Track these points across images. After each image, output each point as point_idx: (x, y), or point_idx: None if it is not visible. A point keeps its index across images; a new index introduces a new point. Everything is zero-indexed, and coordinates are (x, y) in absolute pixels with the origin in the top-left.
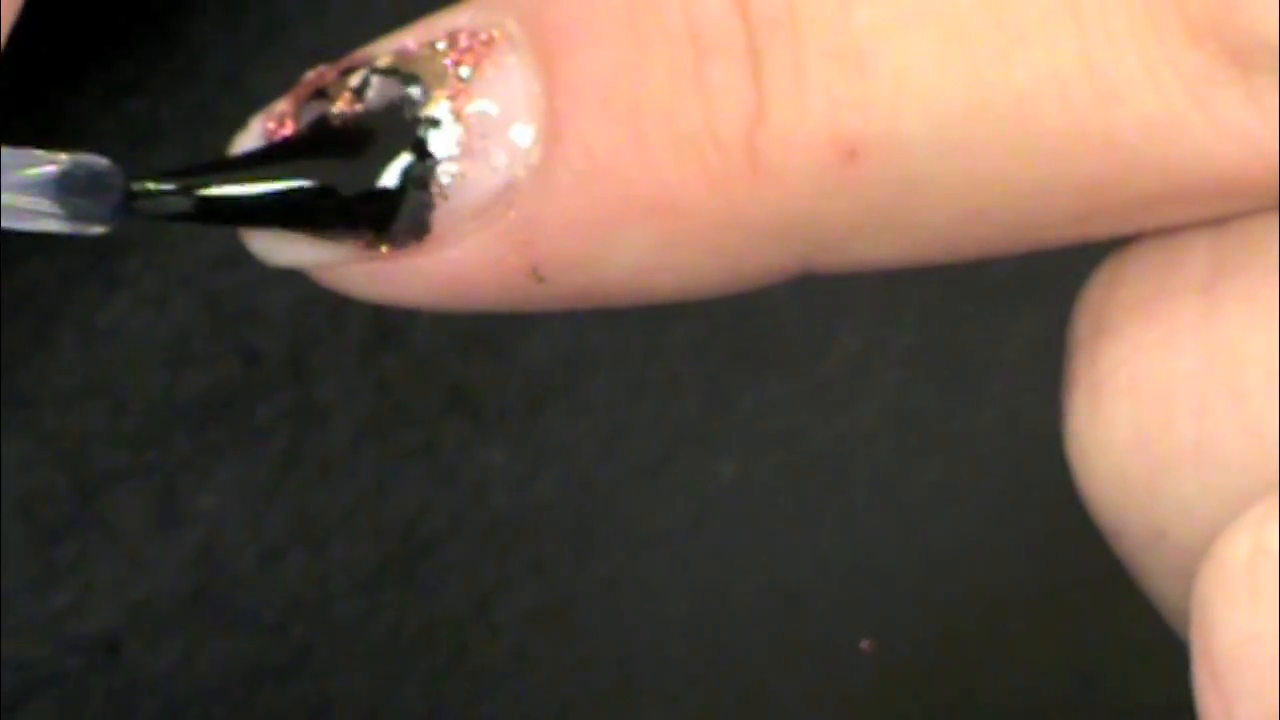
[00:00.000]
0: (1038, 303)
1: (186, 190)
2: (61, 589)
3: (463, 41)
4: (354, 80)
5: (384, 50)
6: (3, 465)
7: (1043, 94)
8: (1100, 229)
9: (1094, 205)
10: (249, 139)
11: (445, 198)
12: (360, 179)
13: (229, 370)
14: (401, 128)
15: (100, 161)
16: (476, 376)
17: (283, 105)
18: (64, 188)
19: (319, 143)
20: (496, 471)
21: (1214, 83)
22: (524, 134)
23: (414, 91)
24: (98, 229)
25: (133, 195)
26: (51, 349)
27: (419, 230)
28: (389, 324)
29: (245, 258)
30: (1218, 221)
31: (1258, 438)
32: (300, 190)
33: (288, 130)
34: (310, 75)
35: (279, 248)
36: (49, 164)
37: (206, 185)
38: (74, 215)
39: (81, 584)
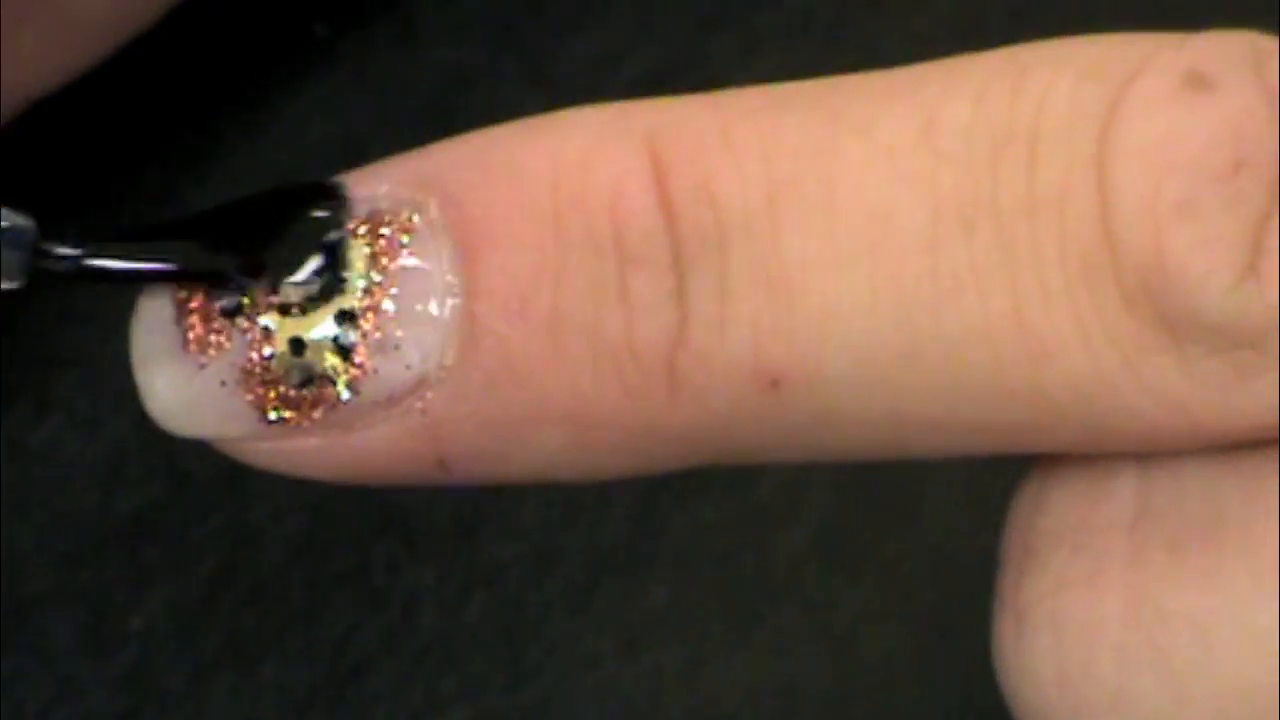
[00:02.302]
0: None
1: (82, 257)
2: None
3: (383, 224)
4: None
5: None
6: None
7: (972, 345)
8: (1028, 450)
9: (1014, 444)
10: (149, 313)
11: (352, 389)
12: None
13: (161, 491)
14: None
15: (15, 217)
16: (407, 499)
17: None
18: None
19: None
20: (427, 593)
21: (1146, 348)
22: (439, 334)
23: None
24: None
25: (38, 253)
26: None
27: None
28: None
29: None
30: (1148, 459)
31: (1180, 700)
32: (180, 272)
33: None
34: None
35: (183, 418)
36: None
37: (99, 255)
38: None
39: (12, 707)
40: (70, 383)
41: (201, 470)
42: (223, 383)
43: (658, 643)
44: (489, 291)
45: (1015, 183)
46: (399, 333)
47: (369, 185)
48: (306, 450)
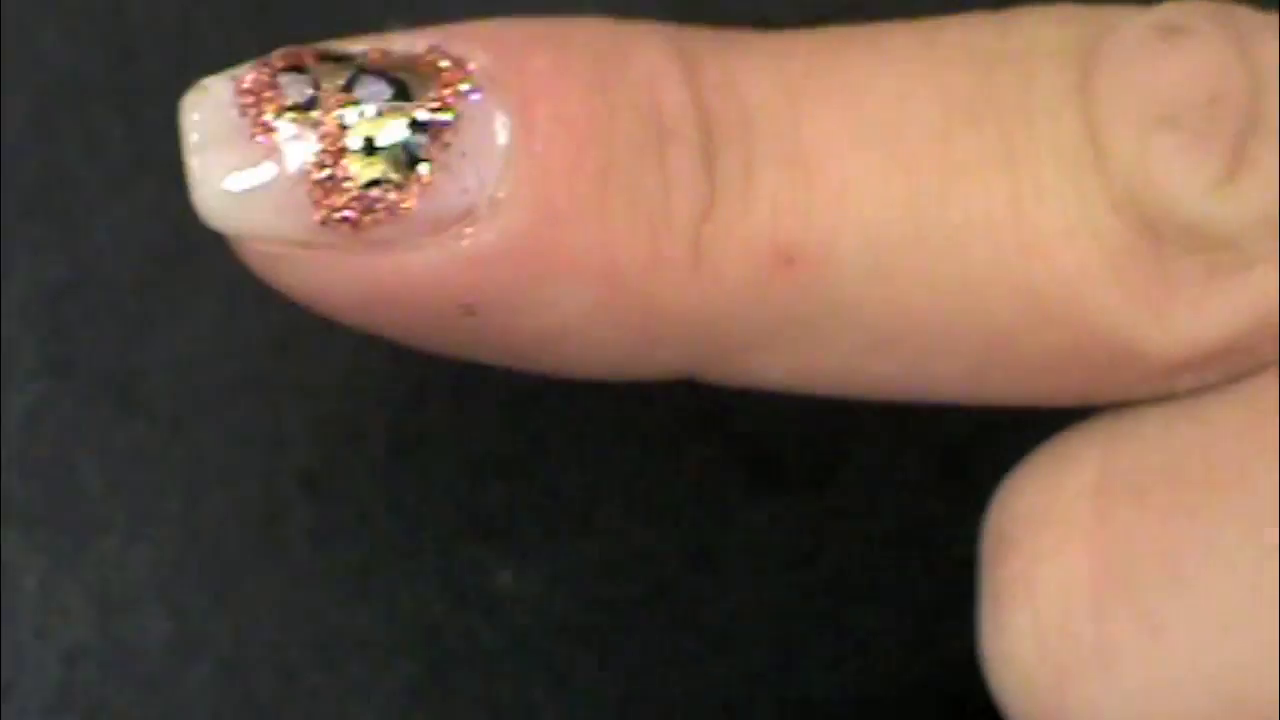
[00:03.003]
0: None
1: None
2: None
3: (446, 62)
4: (340, 78)
5: (368, 48)
6: None
7: (974, 236)
8: (994, 389)
9: (998, 354)
10: (206, 101)
11: (421, 186)
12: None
13: (250, 492)
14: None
15: None
16: (491, 499)
17: (253, 75)
18: None
19: None
20: (509, 592)
21: (1128, 250)
22: (494, 166)
23: (403, 93)
24: None
25: None
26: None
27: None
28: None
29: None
30: (1109, 426)
31: (1156, 635)
32: None
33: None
34: (280, 53)
35: (233, 211)
36: None
37: None
38: None
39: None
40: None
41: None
42: (286, 174)
43: (741, 642)
44: (548, 134)
45: (1012, 91)
46: (462, 153)
47: (430, 40)
48: (343, 265)
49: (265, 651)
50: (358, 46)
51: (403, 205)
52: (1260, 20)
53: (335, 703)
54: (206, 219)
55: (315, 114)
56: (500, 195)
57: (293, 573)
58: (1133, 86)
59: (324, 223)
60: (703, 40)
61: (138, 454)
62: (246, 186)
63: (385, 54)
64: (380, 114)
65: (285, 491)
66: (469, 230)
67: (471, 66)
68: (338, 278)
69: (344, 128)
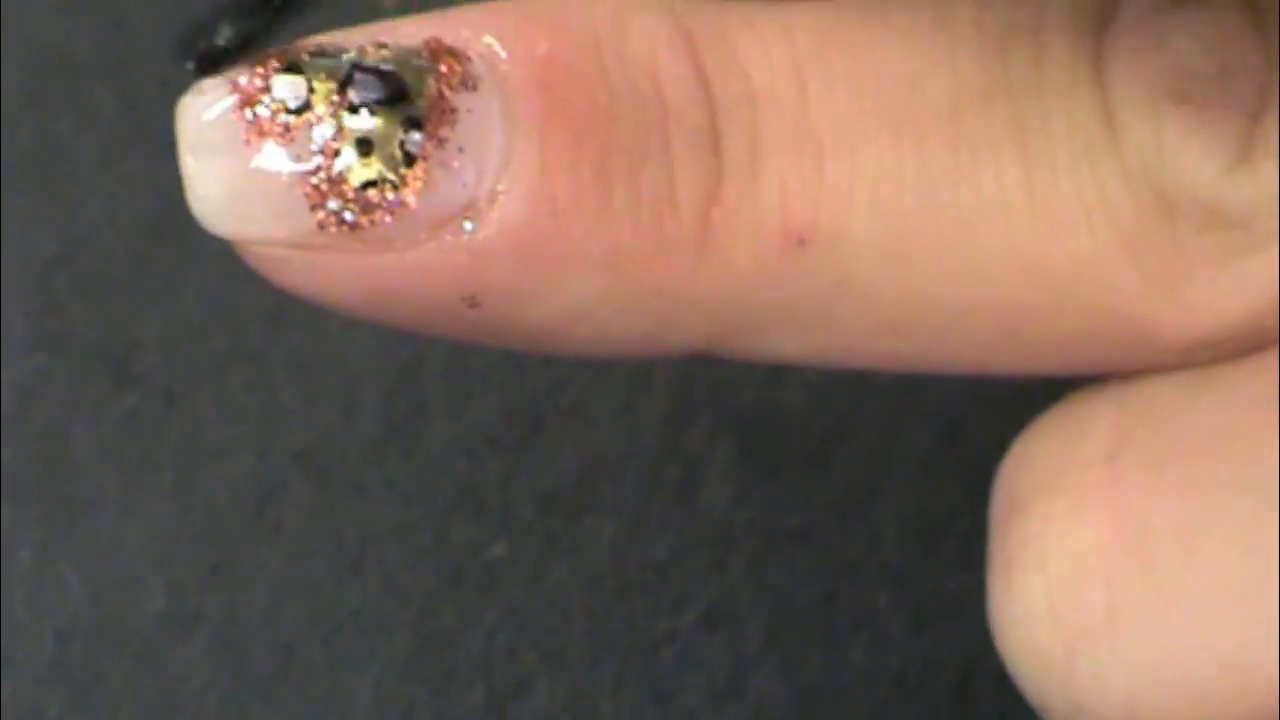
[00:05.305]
0: None
1: None
2: None
3: (447, 53)
4: (335, 76)
5: (365, 42)
6: None
7: (987, 216)
8: (1007, 364)
9: (1011, 334)
10: (202, 103)
11: (415, 185)
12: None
13: (245, 467)
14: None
15: None
16: (485, 476)
17: (248, 77)
18: None
19: None
20: (505, 566)
21: (1143, 228)
22: (494, 159)
23: (399, 91)
24: None
25: None
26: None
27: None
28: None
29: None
30: (1123, 393)
31: (1168, 606)
32: None
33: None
34: (275, 51)
35: (230, 213)
36: None
37: None
38: None
39: None
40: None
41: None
42: (282, 177)
43: (738, 616)
44: (547, 124)
45: (1025, 68)
46: (460, 149)
47: (433, 27)
48: (344, 265)
49: (260, 626)
50: (354, 39)
51: (400, 204)
52: None
53: (331, 677)
54: (203, 223)
55: (310, 115)
56: (500, 188)
57: (288, 548)
58: (1145, 58)
59: (322, 225)
60: (707, 13)
61: (132, 428)
62: (242, 191)
63: (381, 47)
64: (375, 114)
65: (280, 466)
66: (469, 224)
67: (469, 56)
68: (340, 277)
69: (340, 129)
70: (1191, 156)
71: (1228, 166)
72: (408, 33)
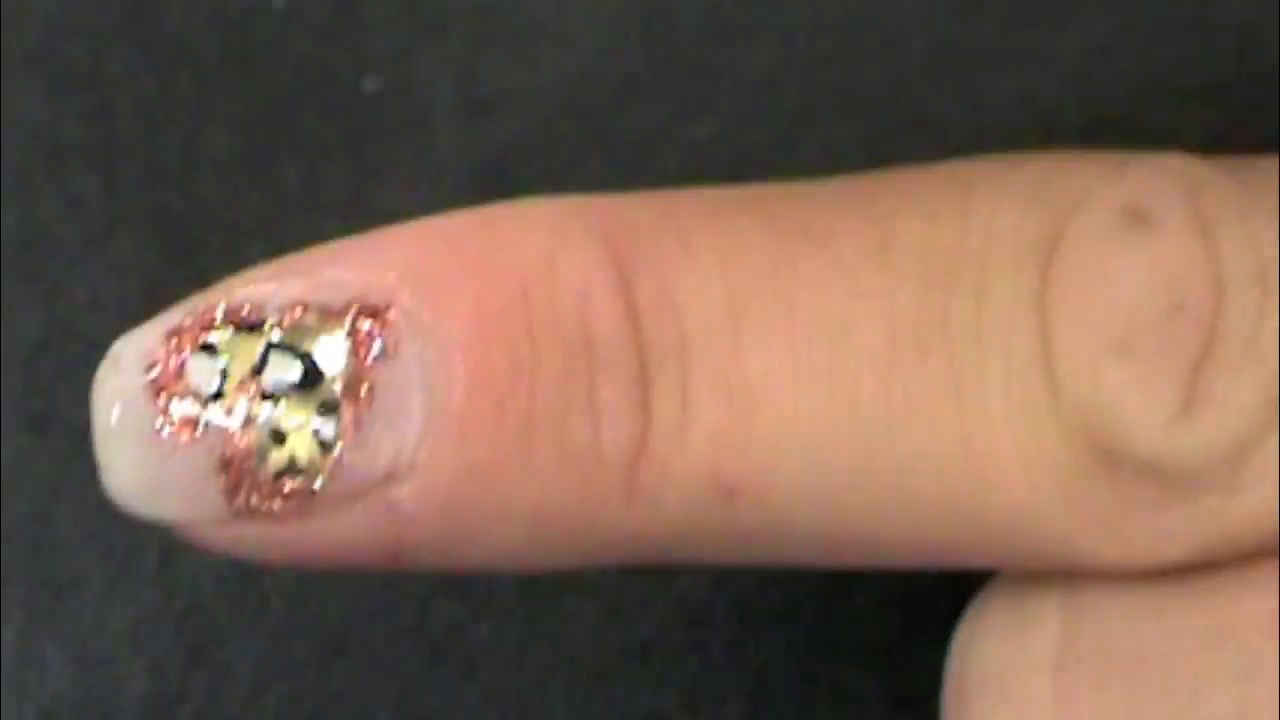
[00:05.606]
0: None
1: None
2: None
3: (358, 314)
4: (250, 355)
5: (288, 300)
6: None
7: (921, 468)
8: (953, 566)
9: (953, 561)
10: (116, 380)
11: (327, 481)
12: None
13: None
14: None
15: None
16: None
17: (163, 350)
18: None
19: None
20: (486, 648)
21: (1081, 474)
22: (413, 430)
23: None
24: None
25: None
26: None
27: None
28: None
29: None
30: (1069, 591)
31: None
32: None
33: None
34: (191, 318)
35: (145, 501)
36: None
37: None
38: None
39: None
40: None
41: None
42: (194, 466)
43: (717, 698)
44: (467, 390)
45: (965, 310)
46: (376, 427)
47: (338, 267)
48: (267, 537)
49: (243, 708)
50: (277, 294)
51: (315, 488)
52: (1234, 200)
53: None
54: (119, 505)
55: (223, 404)
56: (421, 456)
57: (270, 629)
58: (1089, 297)
59: (236, 513)
60: (642, 237)
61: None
62: (155, 479)
63: (299, 317)
64: (289, 401)
65: None
66: (391, 493)
67: (392, 315)
68: (262, 546)
69: (251, 419)
70: (1130, 412)
71: (1167, 421)
72: (331, 280)
